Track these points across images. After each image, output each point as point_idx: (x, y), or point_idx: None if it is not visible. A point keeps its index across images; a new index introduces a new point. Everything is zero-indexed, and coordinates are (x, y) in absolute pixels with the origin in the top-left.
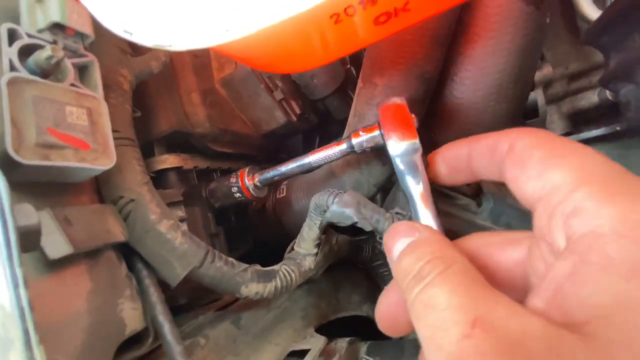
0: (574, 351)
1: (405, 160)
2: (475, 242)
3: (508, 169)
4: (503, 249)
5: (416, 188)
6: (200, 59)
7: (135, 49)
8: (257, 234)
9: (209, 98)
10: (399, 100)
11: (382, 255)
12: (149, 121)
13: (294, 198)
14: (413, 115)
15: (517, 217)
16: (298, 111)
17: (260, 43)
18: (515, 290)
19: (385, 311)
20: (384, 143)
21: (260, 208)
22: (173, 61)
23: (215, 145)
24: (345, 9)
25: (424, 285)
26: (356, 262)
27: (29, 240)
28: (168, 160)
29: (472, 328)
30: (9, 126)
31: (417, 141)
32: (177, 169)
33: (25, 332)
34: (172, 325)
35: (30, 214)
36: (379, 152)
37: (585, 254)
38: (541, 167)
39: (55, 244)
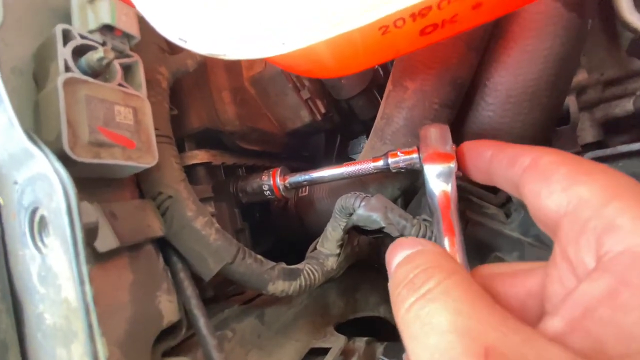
0: None
1: (439, 183)
2: (486, 271)
3: (528, 183)
4: (515, 278)
5: (445, 209)
6: None
7: (172, 47)
8: (279, 231)
9: (239, 96)
10: (441, 125)
11: None
12: (181, 118)
13: (317, 197)
14: (454, 145)
15: None
16: (323, 110)
17: (306, 53)
18: (527, 321)
19: None
20: (421, 165)
21: (283, 206)
22: (206, 59)
23: (243, 143)
24: (394, 21)
25: (418, 297)
26: (374, 264)
27: (87, 236)
28: (198, 156)
29: (486, 357)
30: (65, 125)
31: (452, 165)
32: (206, 165)
33: (89, 326)
34: (206, 320)
35: (90, 212)
36: None
37: (624, 274)
38: (567, 182)
39: (104, 238)
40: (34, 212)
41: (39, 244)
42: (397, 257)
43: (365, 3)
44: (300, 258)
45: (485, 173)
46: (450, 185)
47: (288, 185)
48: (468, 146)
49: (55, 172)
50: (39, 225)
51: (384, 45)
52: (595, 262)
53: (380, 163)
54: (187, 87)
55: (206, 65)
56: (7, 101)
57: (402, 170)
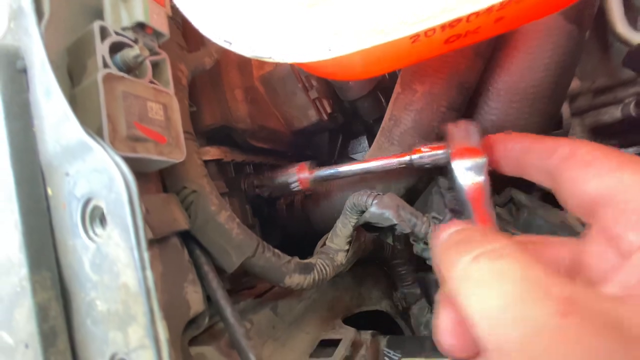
0: None
1: (469, 176)
2: (519, 239)
3: (567, 171)
4: (547, 247)
5: (476, 201)
6: (243, 56)
7: (190, 45)
8: (285, 228)
9: (250, 95)
10: (469, 122)
11: (401, 254)
12: (194, 115)
13: (324, 196)
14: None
15: (548, 230)
16: (329, 110)
17: (340, 58)
18: None
19: (452, 329)
20: (449, 162)
21: (289, 203)
22: (221, 57)
23: (253, 140)
24: (426, 31)
25: (484, 251)
26: (376, 259)
27: None
28: (210, 153)
29: (569, 305)
30: (106, 120)
31: (484, 159)
32: (217, 161)
33: (150, 310)
34: (233, 309)
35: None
36: None
37: None
38: (607, 168)
39: None
40: (86, 203)
41: (91, 233)
42: (450, 230)
43: (410, 16)
44: (304, 255)
45: (515, 165)
46: (482, 177)
47: (314, 178)
48: (495, 139)
49: (116, 164)
50: (91, 216)
51: (411, 52)
52: None
53: (405, 159)
54: (201, 85)
55: (219, 63)
56: (60, 94)
57: (427, 166)
